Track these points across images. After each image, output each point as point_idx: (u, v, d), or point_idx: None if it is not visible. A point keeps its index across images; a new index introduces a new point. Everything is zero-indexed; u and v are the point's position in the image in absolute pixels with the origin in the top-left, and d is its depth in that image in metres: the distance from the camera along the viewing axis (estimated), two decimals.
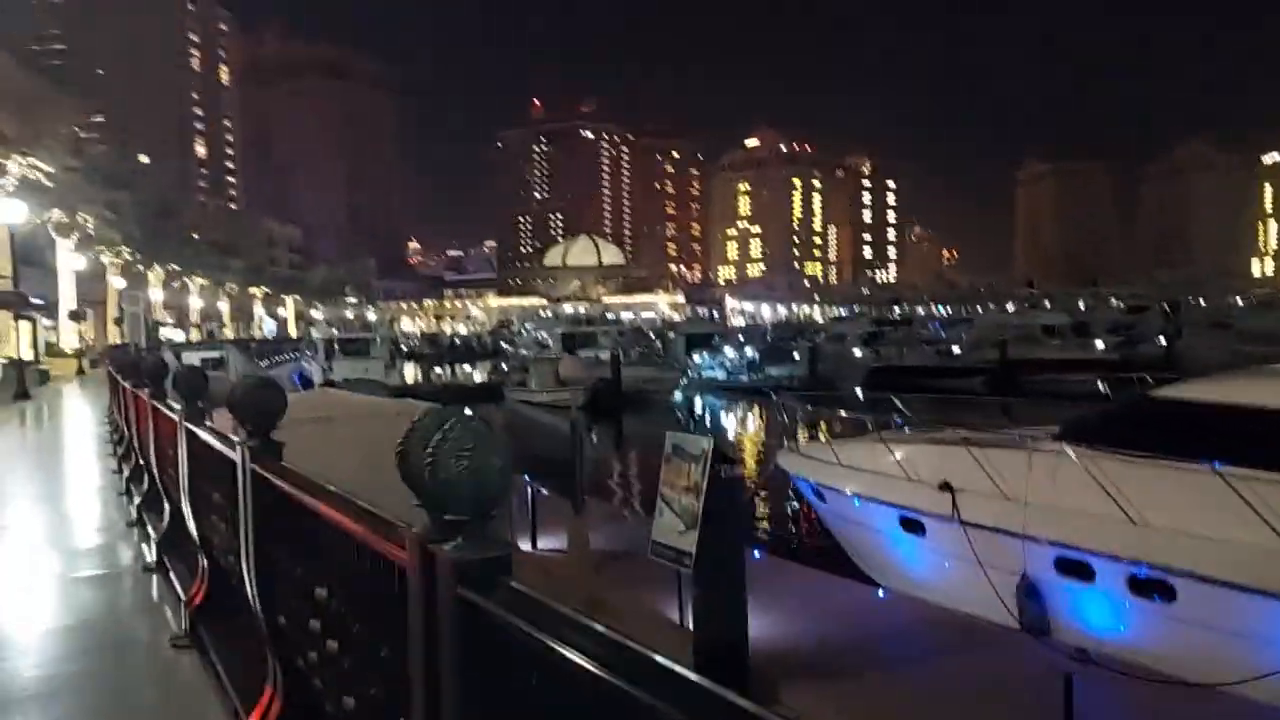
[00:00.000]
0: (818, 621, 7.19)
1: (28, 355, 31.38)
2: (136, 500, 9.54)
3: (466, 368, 73.09)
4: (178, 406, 6.62)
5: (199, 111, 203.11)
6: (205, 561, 5.95)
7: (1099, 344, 45.52)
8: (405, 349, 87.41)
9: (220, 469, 4.98)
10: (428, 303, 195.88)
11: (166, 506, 7.81)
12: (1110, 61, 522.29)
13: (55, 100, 24.44)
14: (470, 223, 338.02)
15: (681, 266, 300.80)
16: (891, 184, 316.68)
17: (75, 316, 46.87)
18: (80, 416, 23.10)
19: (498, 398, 47.39)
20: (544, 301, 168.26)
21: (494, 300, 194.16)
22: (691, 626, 7.82)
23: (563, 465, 11.86)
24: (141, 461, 9.68)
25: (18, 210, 27.59)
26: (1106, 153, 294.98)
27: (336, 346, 59.92)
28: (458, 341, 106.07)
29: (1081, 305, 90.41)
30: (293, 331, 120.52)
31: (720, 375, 51.43)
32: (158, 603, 6.82)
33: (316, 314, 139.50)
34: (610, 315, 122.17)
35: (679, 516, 7.58)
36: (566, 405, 43.14)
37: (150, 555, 7.85)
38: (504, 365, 60.38)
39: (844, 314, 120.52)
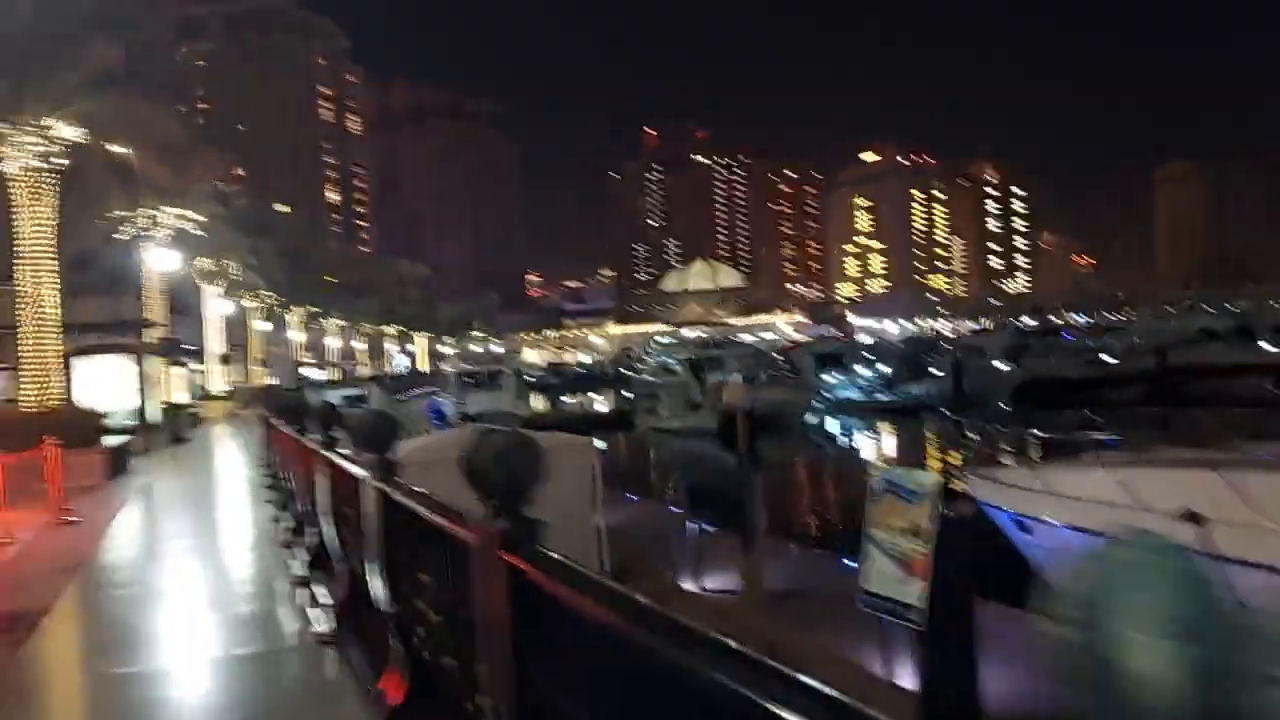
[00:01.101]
0: (1044, 677, 6.16)
1: (180, 399, 32.59)
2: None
3: (593, 396, 73.20)
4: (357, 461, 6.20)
5: (331, 160, 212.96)
6: (344, 569, 6.47)
7: (1265, 346, 41.99)
8: (532, 380, 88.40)
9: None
10: (549, 333, 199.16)
11: (313, 530, 8.30)
12: (1249, 54, 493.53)
13: (203, 152, 25.46)
14: (587, 253, 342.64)
15: (800, 286, 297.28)
16: (1018, 190, 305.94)
17: (223, 360, 48.78)
18: (234, 459, 23.65)
19: (628, 425, 46.90)
20: (664, 327, 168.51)
21: (614, 328, 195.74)
22: (908, 683, 6.90)
23: (721, 497, 10.93)
24: (302, 506, 9.61)
25: (173, 259, 28.72)
26: (1253, 150, 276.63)
27: (468, 380, 60.87)
28: (582, 370, 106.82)
29: (1237, 307, 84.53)
30: (423, 366, 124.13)
31: (855, 395, 49.68)
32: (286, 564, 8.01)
33: (445, 349, 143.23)
34: (730, 338, 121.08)
35: (897, 562, 6.61)
36: (700, 431, 42.57)
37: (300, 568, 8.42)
38: (630, 393, 60.14)
39: (977, 327, 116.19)
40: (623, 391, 64.35)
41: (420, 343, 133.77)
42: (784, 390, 45.47)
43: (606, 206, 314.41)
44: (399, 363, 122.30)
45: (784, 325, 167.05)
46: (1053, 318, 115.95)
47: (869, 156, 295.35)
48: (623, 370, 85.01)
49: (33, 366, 18.26)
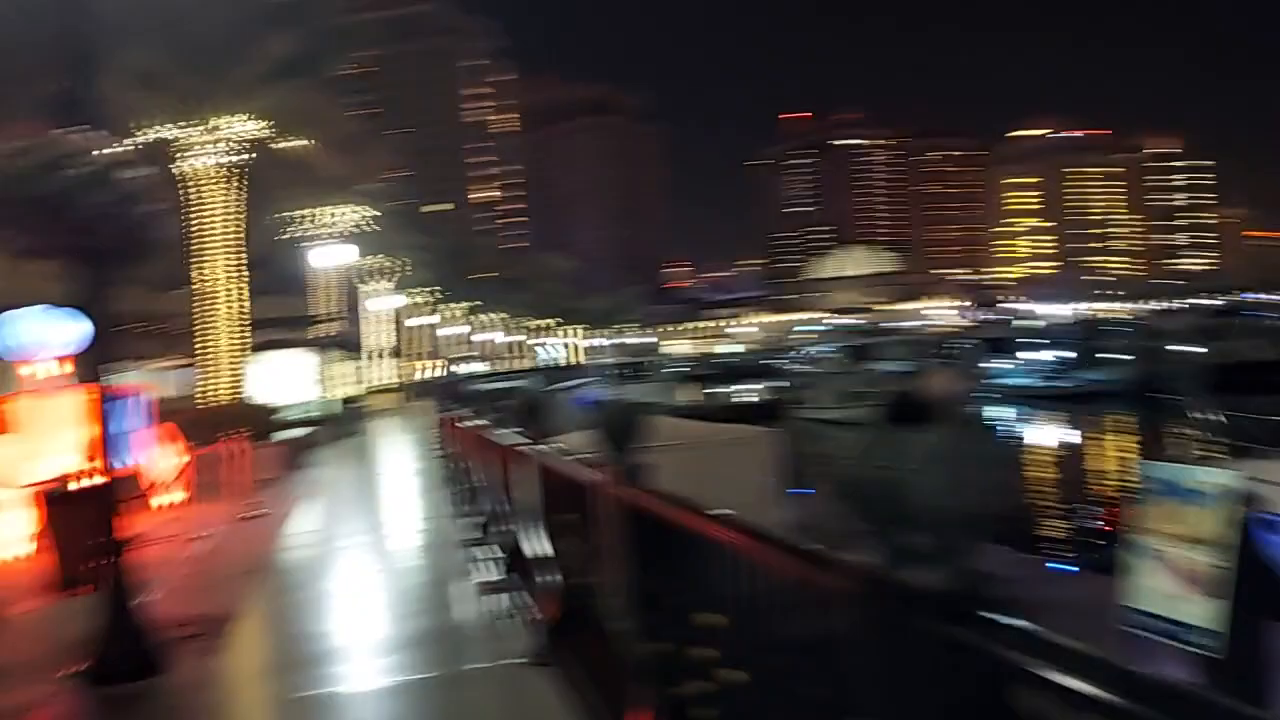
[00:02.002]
0: None
1: (350, 393, 33.73)
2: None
3: (744, 386, 72.20)
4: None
5: (485, 159, 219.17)
6: (509, 527, 7.17)
7: None
8: (681, 370, 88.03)
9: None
10: (696, 324, 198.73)
11: (483, 500, 8.92)
12: None
13: (375, 148, 26.19)
14: (734, 242, 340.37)
15: (958, 269, 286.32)
16: (1197, 163, 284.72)
17: (393, 354, 50.56)
18: (404, 448, 24.15)
19: (780, 415, 45.76)
20: (815, 315, 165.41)
21: (761, 317, 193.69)
22: None
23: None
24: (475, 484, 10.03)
25: (343, 257, 29.72)
26: None
27: (619, 371, 61.23)
28: (730, 360, 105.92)
29: None
30: (575, 359, 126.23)
31: (1027, 381, 46.94)
32: (475, 562, 8.05)
33: (597, 341, 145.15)
34: (886, 324, 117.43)
35: (1174, 576, 5.60)
36: (859, 422, 41.02)
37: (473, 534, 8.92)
38: (780, 382, 58.94)
39: (1157, 307, 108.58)
40: (773, 381, 63.10)
41: (570, 335, 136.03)
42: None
43: (752, 193, 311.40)
44: (550, 355, 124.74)
45: (942, 310, 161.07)
46: (1240, 296, 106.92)
47: (1033, 131, 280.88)
48: (773, 359, 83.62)
49: (214, 363, 19.01)
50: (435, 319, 68.86)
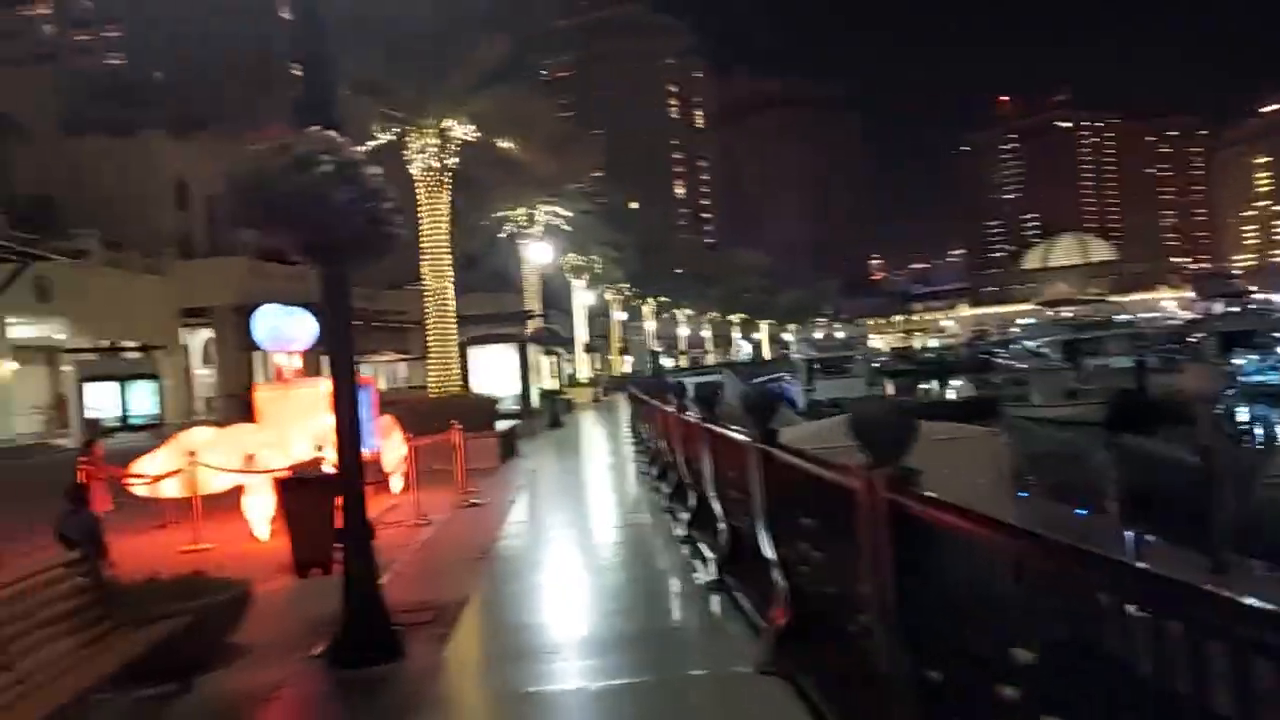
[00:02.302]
0: None
1: (553, 386, 34.58)
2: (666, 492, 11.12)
3: (949, 382, 69.09)
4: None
5: (677, 155, 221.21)
6: (725, 526, 7.22)
7: None
8: (881, 366, 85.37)
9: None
10: (895, 318, 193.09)
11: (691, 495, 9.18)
12: None
13: (579, 148, 26.73)
14: (935, 233, 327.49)
15: (1185, 257, 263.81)
16: None
17: (589, 349, 51.69)
18: (609, 439, 24.56)
19: (991, 413, 43.55)
20: (1024, 307, 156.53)
21: (966, 310, 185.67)
22: None
23: (1173, 502, 8.92)
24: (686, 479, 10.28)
25: (546, 253, 30.52)
26: None
27: (816, 366, 59.93)
28: (931, 356, 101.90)
29: None
30: (766, 354, 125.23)
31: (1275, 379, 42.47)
32: (689, 561, 8.20)
33: (787, 336, 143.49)
34: (1106, 317, 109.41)
35: None
36: (1079, 421, 38.45)
37: (681, 530, 9.18)
38: (991, 379, 56.08)
39: None
40: (983, 377, 60.00)
41: (763, 330, 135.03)
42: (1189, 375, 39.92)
43: (955, 183, 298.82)
44: (744, 351, 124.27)
45: (1169, 302, 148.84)
46: None
47: (1272, 107, 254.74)
48: (983, 355, 79.58)
49: (438, 356, 19.84)
50: (627, 315, 69.94)
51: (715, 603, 6.85)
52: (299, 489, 8.57)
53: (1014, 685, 2.46)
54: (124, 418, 36.80)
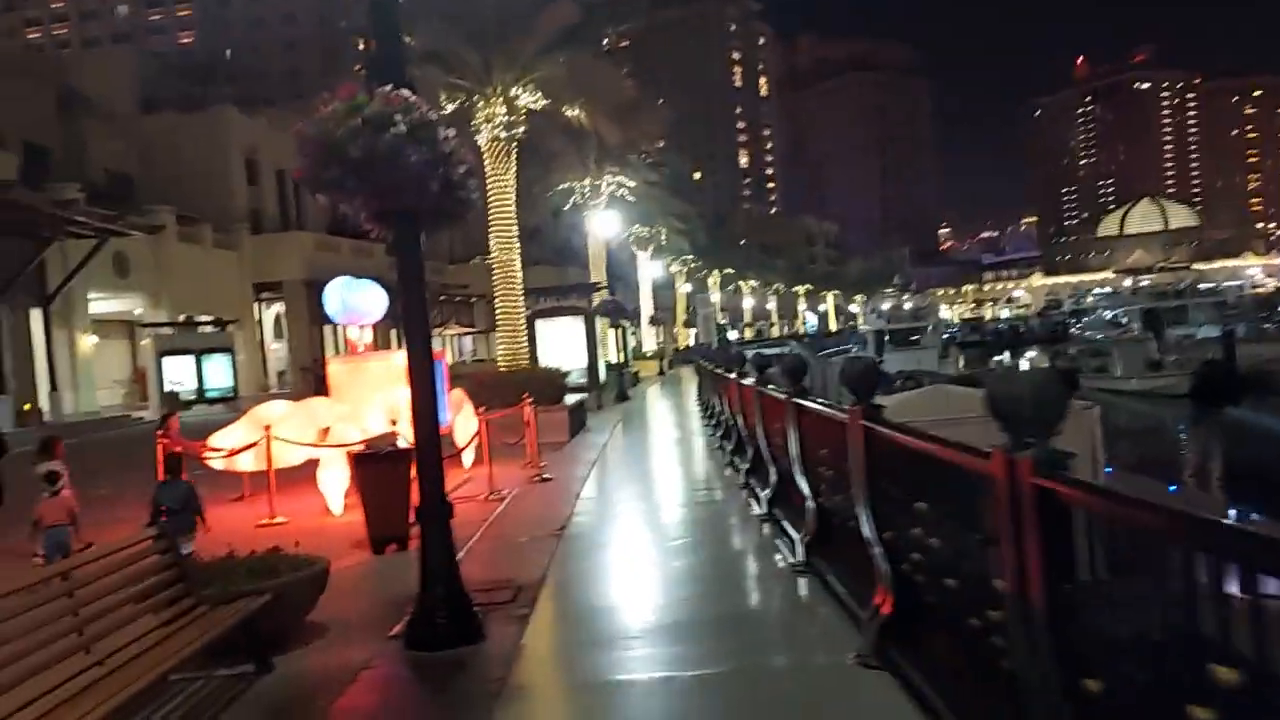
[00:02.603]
0: None
1: (617, 360, 34.35)
2: (743, 468, 10.88)
3: (1023, 353, 67.38)
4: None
5: (741, 124, 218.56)
6: (813, 506, 6.85)
7: None
8: (952, 337, 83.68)
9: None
10: (965, 288, 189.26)
11: (772, 472, 8.90)
12: None
13: (645, 116, 26.26)
14: (1005, 201, 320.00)
15: (1272, 222, 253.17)
16: None
17: (654, 322, 51.39)
18: (678, 413, 24.30)
19: (1070, 385, 42.31)
20: (1099, 276, 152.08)
21: (1038, 280, 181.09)
22: None
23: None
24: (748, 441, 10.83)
25: (612, 225, 30.24)
26: None
27: (886, 338, 58.96)
28: (1004, 326, 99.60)
29: None
30: (833, 325, 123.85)
31: None
32: (771, 540, 7.88)
33: (854, 307, 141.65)
34: (1186, 285, 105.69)
35: None
36: (1163, 394, 37.16)
37: (760, 508, 9.03)
38: (1067, 349, 54.59)
39: None
40: (1059, 348, 58.37)
41: (829, 301, 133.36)
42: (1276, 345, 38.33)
43: (1028, 149, 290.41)
44: (810, 322, 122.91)
45: (1254, 269, 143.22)
46: None
47: None
48: (1059, 325, 77.50)
49: (507, 328, 19.73)
50: (692, 287, 69.39)
51: (803, 586, 6.51)
52: (373, 464, 8.44)
53: (1208, 708, 2.09)
54: (200, 391, 37.60)
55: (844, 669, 4.74)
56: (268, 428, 10.66)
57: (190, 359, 37.94)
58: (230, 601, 5.22)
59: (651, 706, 4.69)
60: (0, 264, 27.31)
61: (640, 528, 9.51)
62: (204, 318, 41.21)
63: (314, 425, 11.26)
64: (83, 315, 35.36)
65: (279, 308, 46.72)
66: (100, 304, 37.02)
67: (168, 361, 37.22)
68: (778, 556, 7.39)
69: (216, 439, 11.18)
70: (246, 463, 11.10)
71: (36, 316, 30.87)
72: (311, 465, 10.93)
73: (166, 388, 36.14)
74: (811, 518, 6.92)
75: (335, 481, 10.33)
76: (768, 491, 8.85)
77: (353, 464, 8.81)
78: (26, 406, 29.38)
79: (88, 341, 35.99)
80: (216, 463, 11.14)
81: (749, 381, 10.31)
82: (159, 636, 4.71)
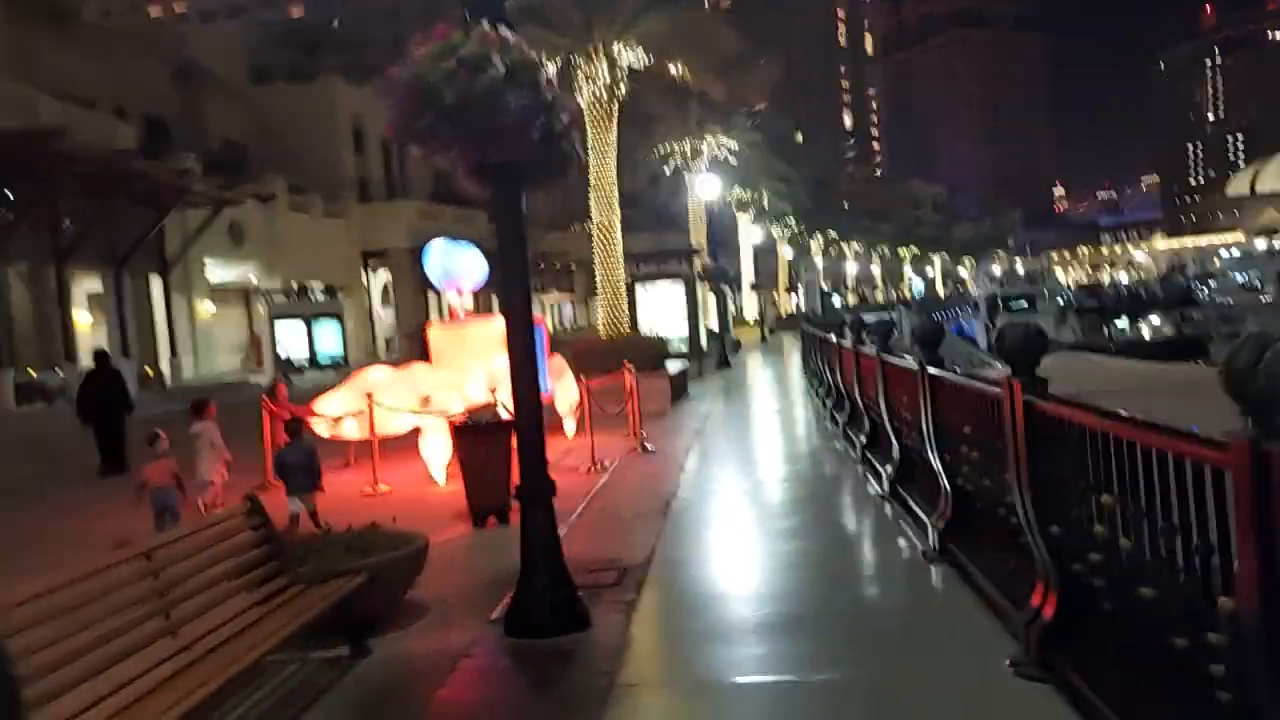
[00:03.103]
0: None
1: (719, 325, 33.73)
2: (859, 441, 10.35)
3: (1146, 319, 64.00)
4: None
5: (845, 84, 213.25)
6: (948, 488, 6.34)
7: None
8: (1068, 302, 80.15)
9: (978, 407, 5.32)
10: (1081, 251, 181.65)
11: (895, 448, 8.40)
12: None
13: (749, 68, 25.33)
14: (1125, 160, 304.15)
15: None
16: None
17: (755, 287, 50.53)
18: (781, 381, 23.69)
19: (1200, 353, 40.03)
20: (1228, 238, 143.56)
21: (1160, 242, 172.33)
22: None
23: None
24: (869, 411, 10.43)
25: (714, 186, 29.54)
26: None
27: (1000, 303, 56.72)
28: (1125, 291, 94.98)
29: None
30: (939, 290, 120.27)
31: None
32: (895, 523, 7.45)
33: (963, 271, 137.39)
34: None
35: None
36: None
37: (880, 487, 8.58)
38: (1194, 315, 51.57)
39: None
40: (1185, 314, 55.16)
41: (936, 265, 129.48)
42: None
43: (1149, 105, 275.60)
44: (916, 287, 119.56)
45: None
46: None
47: None
48: (1184, 289, 73.36)
49: (608, 294, 19.37)
50: (794, 252, 67.97)
51: (938, 577, 5.87)
52: (474, 434, 8.16)
53: None
54: (312, 356, 38.55)
55: (999, 678, 4.12)
56: (370, 395, 10.53)
57: (301, 325, 38.91)
58: (325, 581, 4.96)
59: (783, 716, 4.21)
60: (122, 232, 28.29)
61: (749, 505, 9.01)
62: (315, 284, 42.20)
63: (416, 393, 11.09)
64: (201, 282, 36.55)
65: (386, 275, 47.54)
66: (217, 272, 38.20)
67: (280, 327, 38.24)
68: (904, 542, 6.83)
69: (320, 405, 11.11)
70: (350, 430, 11.01)
71: (156, 284, 32.00)
72: (415, 433, 10.78)
73: (279, 353, 37.17)
74: (946, 501, 6.26)
75: (437, 451, 10.14)
76: (889, 469, 8.25)
77: (453, 434, 8.54)
78: (148, 371, 30.54)
79: (206, 308, 37.22)
80: (321, 429, 11.07)
81: (869, 350, 9.53)
82: (250, 618, 4.47)
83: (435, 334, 11.68)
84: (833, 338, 13.76)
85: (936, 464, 6.40)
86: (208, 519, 5.08)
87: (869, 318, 13.01)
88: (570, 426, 13.03)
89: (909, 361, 7.26)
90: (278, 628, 4.38)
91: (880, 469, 8.70)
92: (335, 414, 10.92)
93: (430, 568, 5.94)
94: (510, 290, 5.18)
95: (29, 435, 18.54)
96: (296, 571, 5.03)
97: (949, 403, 6.09)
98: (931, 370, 6.46)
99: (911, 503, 7.27)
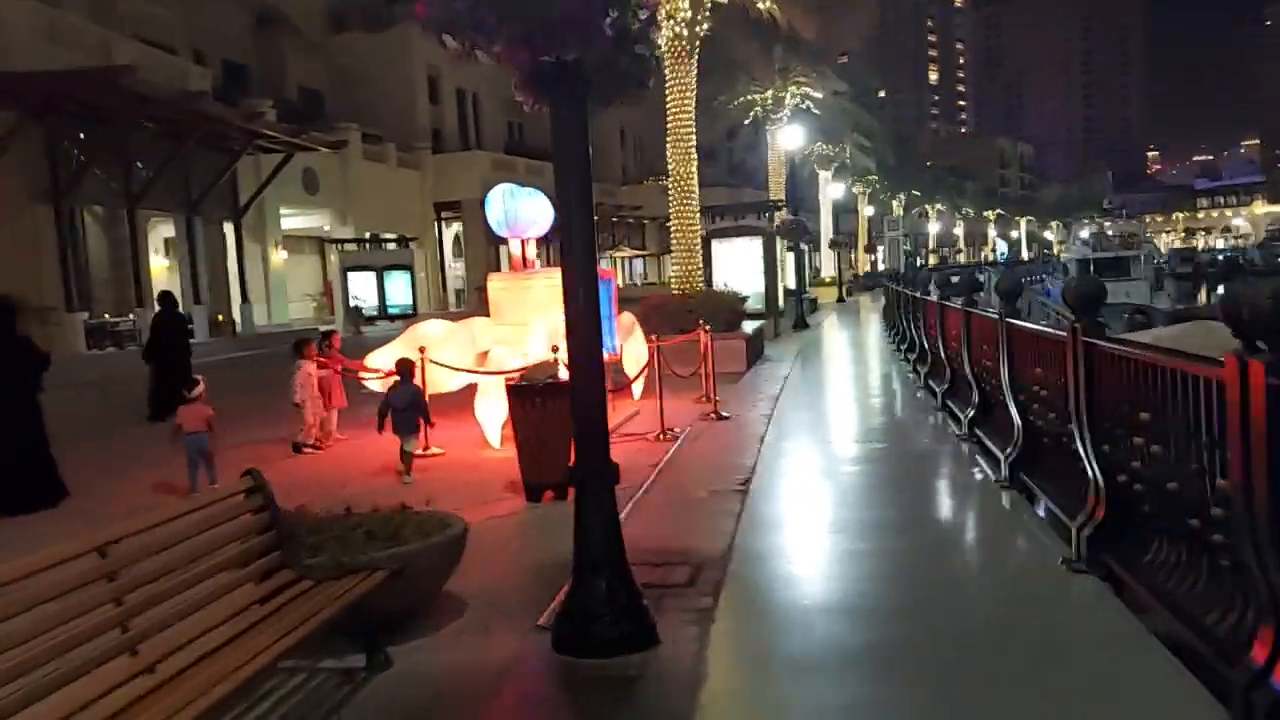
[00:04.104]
0: None
1: (793, 285, 32.37)
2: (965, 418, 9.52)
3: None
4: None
5: (932, 39, 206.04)
6: (1019, 419, 6.92)
7: None
8: (1160, 267, 76.45)
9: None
10: (1176, 215, 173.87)
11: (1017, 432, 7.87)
12: None
13: (847, 7, 23.62)
14: (1224, 121, 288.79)
15: None
16: None
17: (834, 245, 48.75)
18: (863, 342, 22.44)
19: None
20: None
21: (1261, 207, 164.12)
22: None
23: None
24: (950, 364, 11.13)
25: (795, 137, 28.08)
26: None
27: (1091, 267, 54.01)
28: (1219, 257, 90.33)
29: None
30: (1024, 253, 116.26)
31: None
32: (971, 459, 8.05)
33: (1048, 235, 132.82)
34: None
35: None
36: None
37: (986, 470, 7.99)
38: None
39: None
40: None
41: (1021, 227, 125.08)
42: None
43: (1251, 62, 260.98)
44: (999, 249, 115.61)
45: None
46: None
47: None
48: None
49: (682, 249, 18.29)
50: (874, 210, 65.64)
51: (1081, 588, 4.77)
52: (529, 398, 7.25)
53: None
54: (382, 307, 38.30)
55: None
56: (423, 349, 9.72)
57: (372, 276, 38.66)
58: (341, 577, 4.11)
59: None
60: (194, 176, 28.04)
61: (844, 484, 7.88)
62: (388, 235, 41.88)
63: (474, 348, 10.26)
64: (275, 230, 36.42)
65: (458, 227, 47.06)
66: (291, 220, 38.06)
67: (352, 277, 38.02)
68: (1026, 525, 5.83)
69: (372, 359, 10.34)
70: None
71: (230, 231, 31.84)
72: (472, 391, 9.97)
73: (350, 303, 36.96)
74: (1019, 435, 6.91)
75: (493, 412, 9.29)
76: (1010, 450, 7.14)
77: (509, 395, 7.66)
78: (220, 318, 30.46)
79: (279, 256, 37.13)
80: (373, 384, 10.33)
81: (955, 303, 10.42)
82: (243, 624, 3.64)
83: (495, 285, 10.78)
84: (917, 294, 14.62)
85: (1010, 403, 7.09)
86: (201, 499, 4.27)
87: (970, 274, 14.18)
88: (638, 389, 12.11)
89: (990, 313, 7.97)
90: (272, 641, 3.54)
91: (994, 449, 7.67)
92: (388, 369, 10.13)
93: (473, 551, 5.09)
94: (570, 232, 4.21)
95: (93, 378, 18.36)
96: (306, 564, 4.19)
97: (1024, 348, 6.84)
98: (1010, 320, 7.21)
99: (1042, 493, 6.26)
